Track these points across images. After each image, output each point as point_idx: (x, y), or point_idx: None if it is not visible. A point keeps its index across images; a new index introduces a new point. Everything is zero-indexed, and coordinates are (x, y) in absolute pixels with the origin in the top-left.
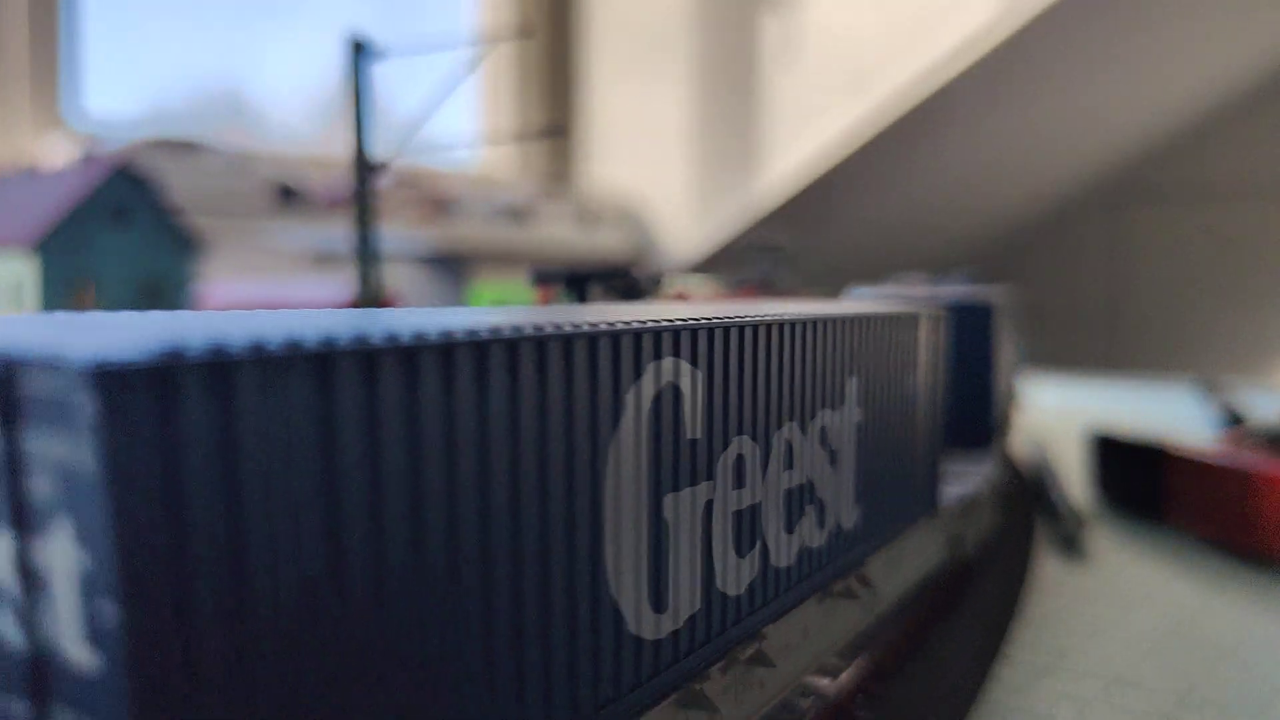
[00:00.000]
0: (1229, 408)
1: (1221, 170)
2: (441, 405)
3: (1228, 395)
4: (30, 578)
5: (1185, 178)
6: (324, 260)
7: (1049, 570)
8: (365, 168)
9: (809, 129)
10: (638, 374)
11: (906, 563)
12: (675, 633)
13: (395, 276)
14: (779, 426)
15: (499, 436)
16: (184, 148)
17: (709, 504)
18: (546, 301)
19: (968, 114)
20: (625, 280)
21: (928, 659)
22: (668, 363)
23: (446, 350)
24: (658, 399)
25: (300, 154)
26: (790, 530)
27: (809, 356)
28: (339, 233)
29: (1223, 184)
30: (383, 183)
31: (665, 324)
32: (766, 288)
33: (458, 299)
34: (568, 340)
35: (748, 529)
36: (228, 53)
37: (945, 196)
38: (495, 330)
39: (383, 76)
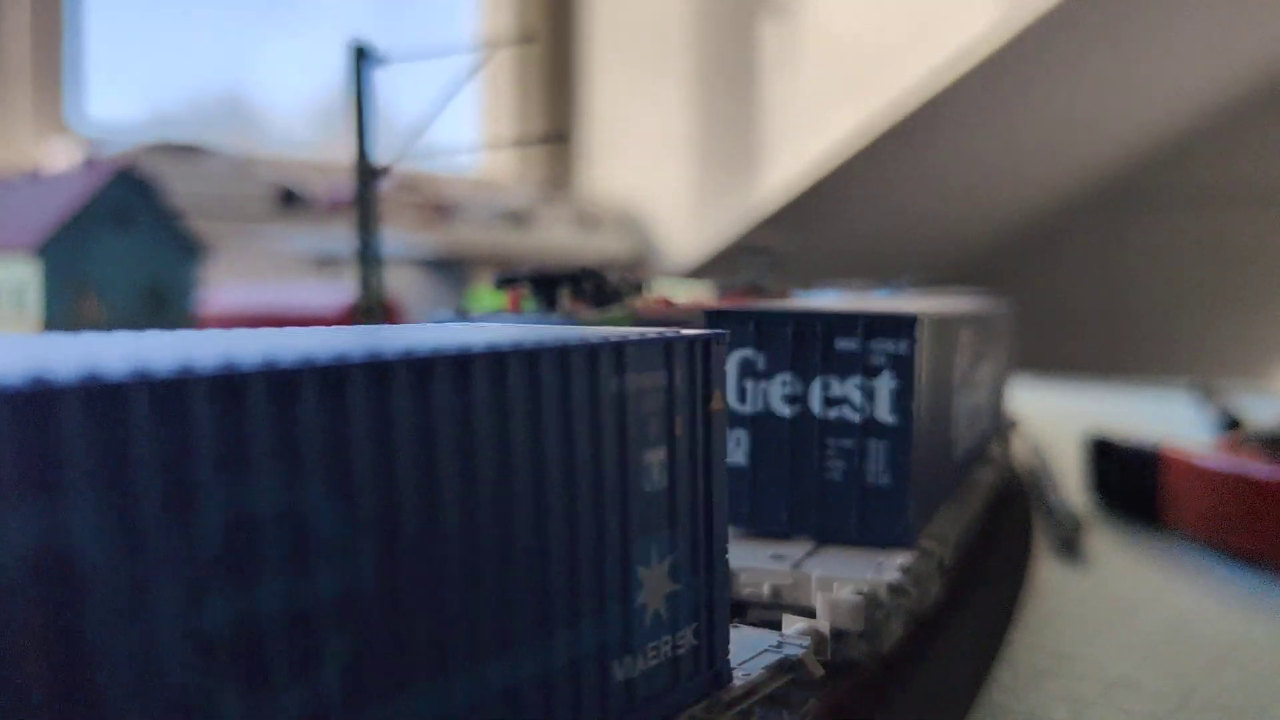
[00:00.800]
0: (1226, 411)
1: (1218, 176)
2: (936, 350)
3: (1225, 399)
4: (867, 393)
5: (1182, 183)
6: (325, 264)
7: (1046, 573)
8: (367, 172)
9: (809, 134)
10: (959, 332)
11: (999, 450)
12: (960, 457)
13: (396, 280)
14: (976, 365)
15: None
16: (186, 152)
17: (964, 399)
18: (516, 305)
19: (966, 119)
20: (596, 283)
21: (926, 661)
22: (966, 330)
23: (944, 322)
24: (962, 345)
25: (302, 158)
26: (977, 421)
27: (986, 333)
28: (340, 237)
29: (1220, 189)
30: (384, 187)
31: (966, 313)
32: (756, 292)
33: (458, 303)
34: (950, 321)
35: (971, 415)
36: (230, 57)
37: (943, 201)
38: (928, 314)
39: (384, 82)
